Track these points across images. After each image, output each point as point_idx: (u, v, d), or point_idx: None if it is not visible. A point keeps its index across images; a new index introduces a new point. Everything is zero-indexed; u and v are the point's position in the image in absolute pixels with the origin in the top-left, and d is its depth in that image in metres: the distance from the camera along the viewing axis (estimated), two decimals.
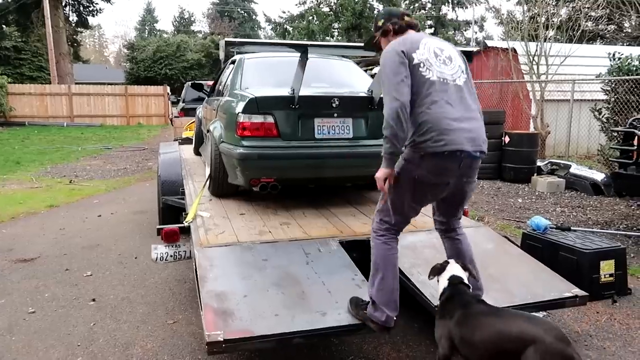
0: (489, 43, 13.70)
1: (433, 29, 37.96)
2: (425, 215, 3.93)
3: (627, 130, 5.48)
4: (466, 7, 37.28)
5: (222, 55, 3.51)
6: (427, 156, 2.28)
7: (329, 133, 3.80)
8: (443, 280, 2.39)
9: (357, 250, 3.25)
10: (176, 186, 4.83)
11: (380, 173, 2.33)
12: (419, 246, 3.31)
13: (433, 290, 2.73)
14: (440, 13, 38.24)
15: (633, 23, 18.34)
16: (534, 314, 2.36)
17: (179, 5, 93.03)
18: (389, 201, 2.45)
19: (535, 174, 8.31)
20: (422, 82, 2.29)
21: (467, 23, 36.65)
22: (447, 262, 2.48)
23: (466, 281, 2.38)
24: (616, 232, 5.49)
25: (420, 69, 2.30)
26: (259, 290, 2.64)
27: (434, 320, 2.37)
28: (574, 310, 3.51)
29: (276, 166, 3.69)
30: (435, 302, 2.57)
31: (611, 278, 3.67)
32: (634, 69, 8.52)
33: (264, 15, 68.03)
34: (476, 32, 37.01)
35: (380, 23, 2.53)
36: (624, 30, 20.52)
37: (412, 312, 3.26)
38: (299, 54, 3.52)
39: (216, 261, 2.93)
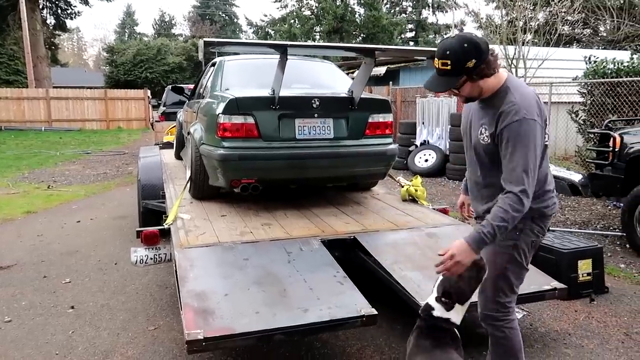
0: None
1: (414, 32, 38.37)
2: (408, 215, 3.97)
3: (602, 132, 5.60)
4: (446, 11, 37.80)
5: (201, 55, 3.50)
6: (546, 217, 2.12)
7: (309, 133, 3.81)
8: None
9: (339, 249, 3.26)
10: (157, 190, 4.78)
11: (469, 257, 1.92)
12: (400, 243, 3.33)
13: (415, 285, 2.75)
14: (421, 17, 38.69)
15: (608, 27, 18.80)
16: None
17: (159, 8, 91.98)
18: (511, 277, 2.13)
19: None
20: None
21: (447, 27, 37.09)
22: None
23: (437, 313, 2.03)
24: (593, 232, 5.60)
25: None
26: (240, 289, 2.63)
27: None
28: (552, 309, 3.56)
29: (257, 167, 3.68)
30: (418, 297, 2.59)
31: (589, 277, 3.74)
32: (609, 72, 8.71)
33: (246, 18, 68.00)
34: None
35: (471, 64, 1.91)
36: (599, 34, 21.03)
37: (395, 313, 3.28)
38: (279, 55, 3.52)
39: (197, 261, 2.90)
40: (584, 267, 3.73)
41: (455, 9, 35.64)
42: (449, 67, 1.90)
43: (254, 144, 3.67)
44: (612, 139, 5.26)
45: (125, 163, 12.15)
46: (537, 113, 1.92)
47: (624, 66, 8.62)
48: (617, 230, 5.48)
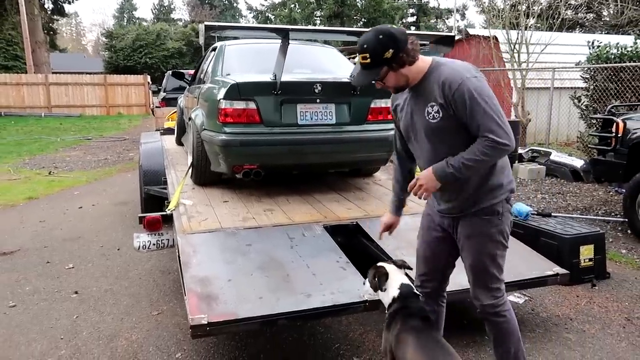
0: (471, 31, 13.77)
1: (415, 17, 38.01)
2: (410, 201, 3.96)
3: (605, 118, 5.57)
4: None
5: (202, 40, 3.46)
6: (512, 192, 2.15)
7: (311, 119, 3.79)
8: (392, 290, 2.12)
9: (342, 235, 3.26)
10: (158, 176, 4.77)
11: (432, 183, 2.03)
12: (402, 229, 3.31)
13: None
14: (422, 1, 38.27)
15: (611, 11, 18.61)
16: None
17: None
18: (500, 261, 2.15)
19: (517, 162, 8.41)
20: None
21: (449, 11, 36.76)
22: (382, 267, 2.19)
23: (416, 290, 2.18)
24: (595, 217, 5.59)
25: None
26: (243, 274, 2.64)
27: None
28: (554, 294, 3.58)
29: (259, 153, 3.67)
30: None
31: (590, 262, 3.74)
32: (612, 57, 8.64)
33: (245, 2, 67.27)
34: (458, 21, 37.16)
35: (388, 54, 1.92)
36: (603, 19, 20.82)
37: None
38: (280, 40, 3.49)
39: (199, 247, 2.91)
40: (586, 252, 3.73)
41: None
42: (368, 60, 1.94)
43: (255, 129, 3.64)
44: (615, 124, 5.23)
45: (126, 149, 12.14)
46: (477, 75, 1.96)
47: (628, 51, 8.54)
48: (618, 216, 5.48)
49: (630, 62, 8.26)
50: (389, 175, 5.02)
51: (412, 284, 2.19)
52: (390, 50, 1.90)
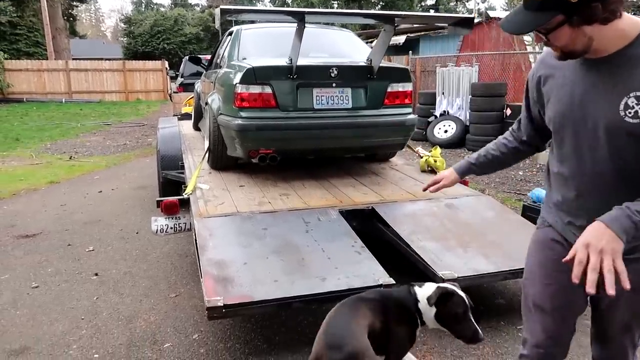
0: (492, 14, 13.48)
1: (435, 0, 37.32)
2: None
3: None
4: None
5: (217, 24, 3.45)
6: None
7: (327, 103, 3.77)
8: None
9: (357, 220, 3.26)
10: (175, 160, 4.82)
11: (612, 242, 1.20)
12: (418, 214, 3.31)
13: (433, 255, 2.75)
14: None
15: None
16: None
17: None
18: None
19: None
20: None
21: None
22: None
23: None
24: None
25: None
26: (259, 257, 2.66)
27: None
28: None
29: (275, 137, 3.67)
30: (436, 268, 2.59)
31: None
32: None
33: None
34: (478, 3, 36.33)
35: None
36: None
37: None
38: (296, 24, 3.46)
39: (216, 231, 2.94)
40: None
41: None
42: None
43: (271, 114, 3.64)
44: None
45: (145, 134, 12.26)
46: None
47: None
48: None
49: None
50: (406, 160, 4.99)
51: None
52: None
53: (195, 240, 2.87)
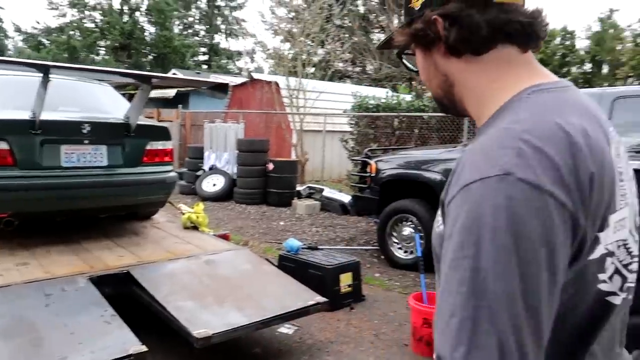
0: (255, 76, 14.65)
1: (207, 56, 38.64)
2: (188, 243, 3.99)
3: (362, 160, 6.52)
4: (238, 38, 39.09)
5: None
6: None
7: (79, 161, 3.57)
8: None
9: (111, 286, 3.09)
10: None
11: None
12: (177, 273, 3.33)
13: (189, 315, 2.79)
14: (214, 41, 39.23)
15: (373, 67, 21.93)
16: None
17: None
18: None
19: (296, 198, 9.14)
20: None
21: (239, 53, 38.40)
22: None
23: None
24: (357, 247, 6.43)
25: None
26: None
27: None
28: (319, 321, 3.95)
29: (11, 199, 3.27)
30: (191, 327, 2.63)
31: (349, 288, 4.29)
32: (371, 106, 10.23)
33: (13, 23, 58.94)
34: (247, 63, 39.00)
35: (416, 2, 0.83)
36: (367, 73, 24.38)
37: (173, 342, 3.23)
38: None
39: None
40: (345, 279, 4.27)
41: (244, 39, 37.20)
42: None
43: (7, 172, 3.25)
44: (369, 165, 6.16)
45: None
46: (554, 169, 0.64)
47: (382, 102, 10.23)
48: (375, 244, 6.39)
49: (383, 112, 9.91)
50: (169, 217, 4.96)
51: None
52: None
53: None
